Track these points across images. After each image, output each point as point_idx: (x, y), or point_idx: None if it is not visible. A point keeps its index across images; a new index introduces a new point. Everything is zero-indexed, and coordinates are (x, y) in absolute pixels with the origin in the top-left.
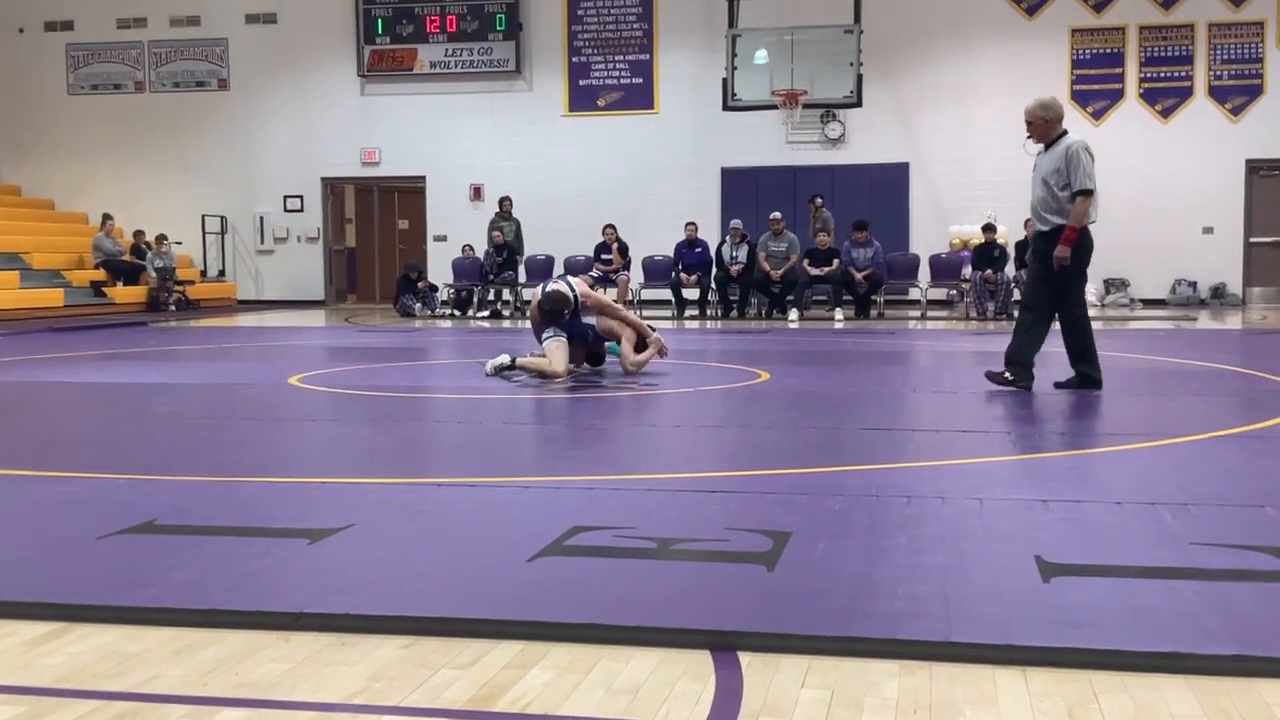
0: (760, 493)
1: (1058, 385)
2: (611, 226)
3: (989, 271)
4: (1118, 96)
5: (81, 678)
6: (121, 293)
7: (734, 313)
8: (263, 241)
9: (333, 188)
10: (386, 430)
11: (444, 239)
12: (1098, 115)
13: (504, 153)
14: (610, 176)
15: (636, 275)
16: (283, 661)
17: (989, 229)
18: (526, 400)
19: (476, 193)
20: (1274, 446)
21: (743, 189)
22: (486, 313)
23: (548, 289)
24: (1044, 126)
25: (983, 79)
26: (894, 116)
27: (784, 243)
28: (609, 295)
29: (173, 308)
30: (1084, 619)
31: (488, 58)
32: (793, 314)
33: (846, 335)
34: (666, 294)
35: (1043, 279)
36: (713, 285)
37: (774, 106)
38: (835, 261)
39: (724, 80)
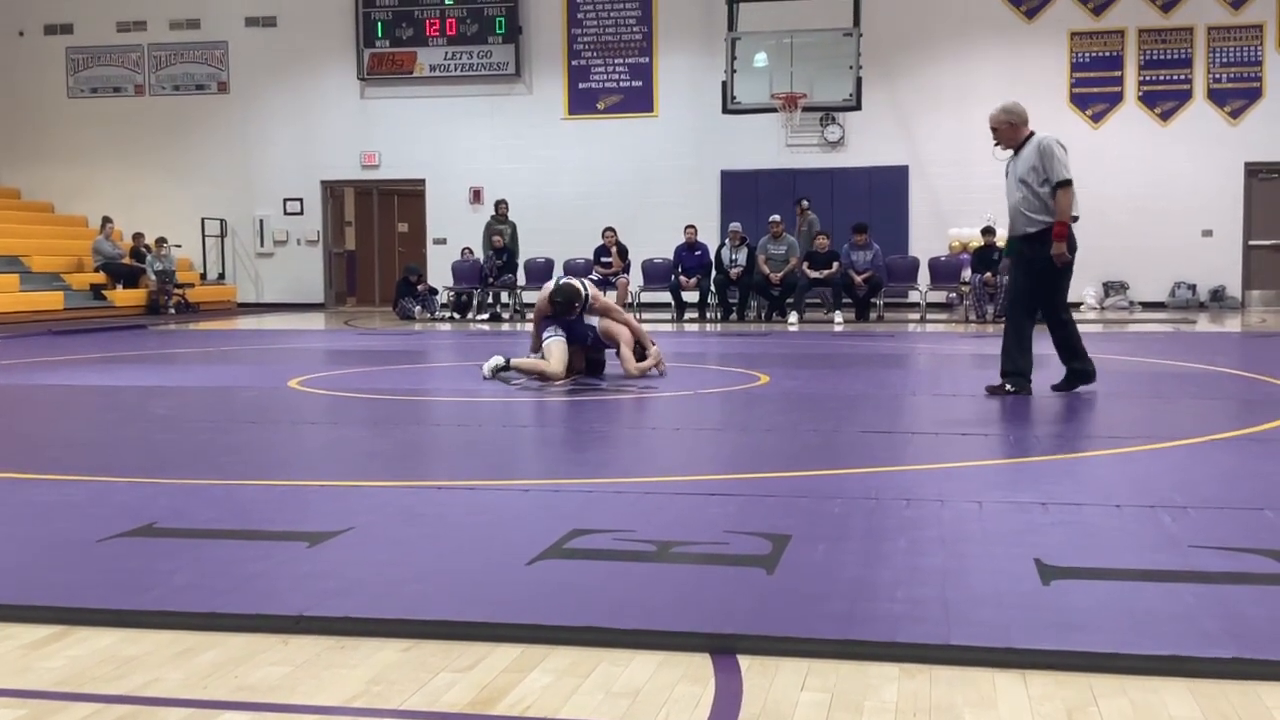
0: (760, 496)
1: (1055, 388)
2: (611, 229)
3: (988, 274)
4: (1117, 99)
5: (81, 681)
6: (121, 296)
7: (733, 315)
8: (262, 244)
9: (332, 191)
10: (386, 433)
11: (443, 242)
12: (1097, 118)
13: (503, 156)
14: (610, 179)
15: (636, 278)
16: (282, 664)
17: (988, 232)
18: (526, 403)
19: (476, 196)
20: (1273, 449)
21: (742, 192)
22: (486, 316)
23: (560, 281)
24: (1010, 131)
25: (982, 82)
26: (893, 119)
27: (783, 245)
28: (610, 298)
29: (172, 311)
30: (1083, 622)
31: (487, 61)
32: (792, 317)
33: (846, 338)
34: (666, 297)
35: (1026, 283)
36: (712, 288)
37: (773, 109)
38: (835, 264)
39: (723, 83)
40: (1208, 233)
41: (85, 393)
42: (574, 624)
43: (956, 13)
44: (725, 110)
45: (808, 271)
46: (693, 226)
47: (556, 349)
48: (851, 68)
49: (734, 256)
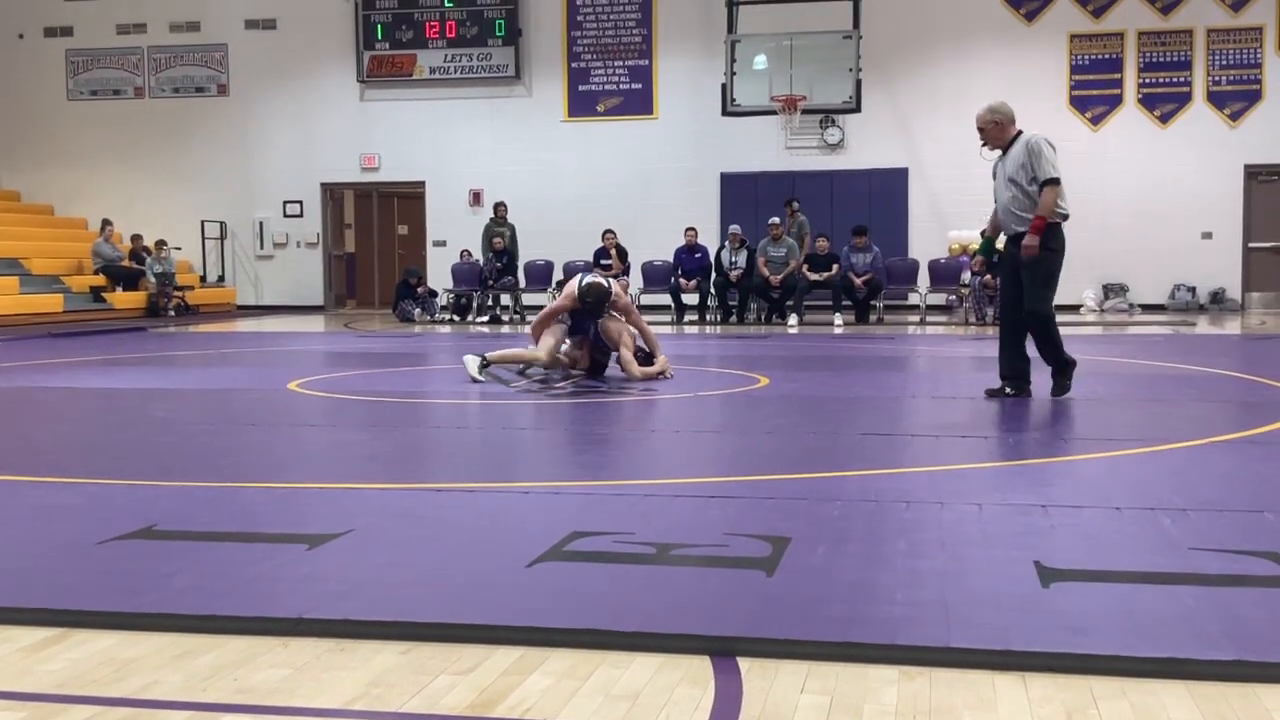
0: (760, 498)
1: (1054, 395)
2: (611, 232)
3: (988, 276)
4: (1116, 102)
5: (80, 683)
6: (121, 298)
7: (733, 318)
8: (262, 247)
9: (332, 193)
10: (386, 435)
11: (443, 244)
12: (1096, 121)
13: (503, 158)
14: (609, 182)
15: (636, 280)
16: (282, 667)
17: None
18: (526, 405)
19: (476, 198)
20: (1272, 451)
21: (742, 194)
22: (486, 318)
23: (586, 280)
24: (996, 130)
25: (982, 84)
26: (893, 122)
27: (783, 248)
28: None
29: (172, 313)
30: (1083, 624)
31: (487, 63)
32: (792, 319)
33: (846, 340)
34: (666, 299)
35: (1016, 285)
36: (712, 290)
37: (773, 112)
38: (834, 267)
39: (723, 86)
40: (1207, 235)
41: (85, 395)
42: (574, 626)
43: (956, 15)
44: (725, 112)
45: (807, 274)
46: (693, 229)
47: (549, 336)
48: (851, 70)
49: (734, 259)
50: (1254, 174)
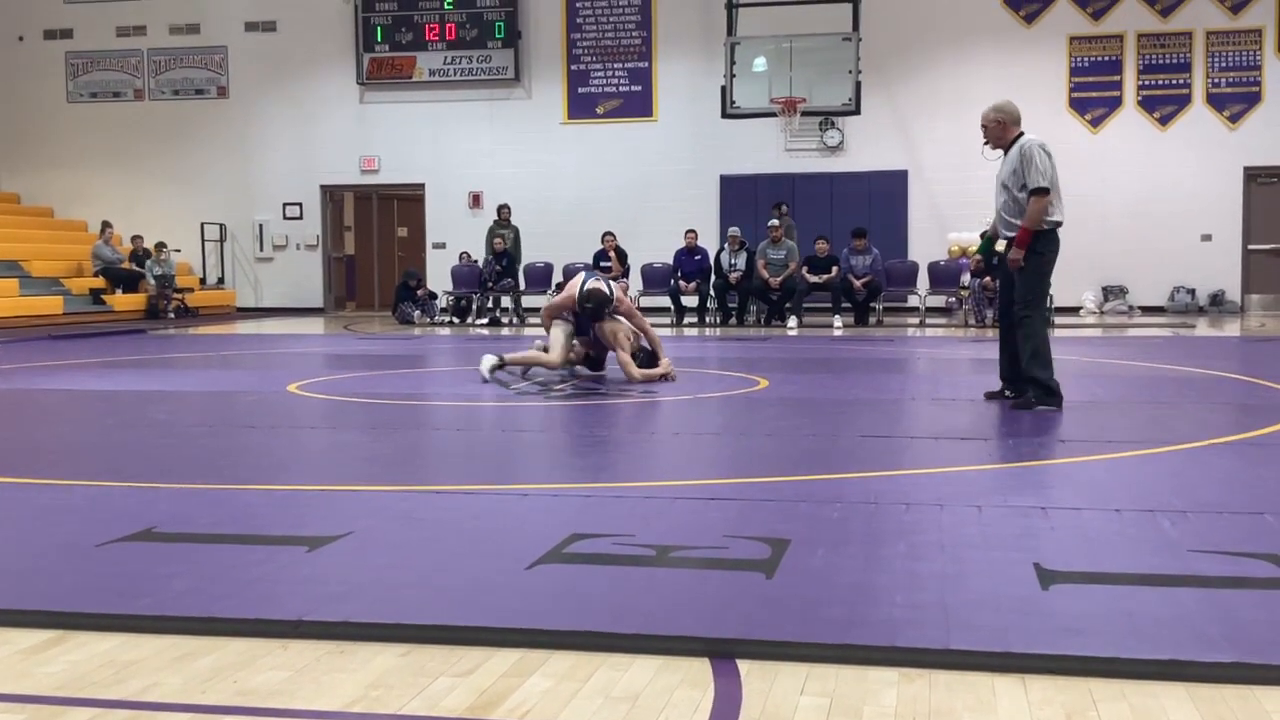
0: (759, 500)
1: (1015, 406)
2: (610, 234)
3: (987, 279)
4: (1116, 104)
5: (80, 686)
6: (121, 300)
7: (733, 320)
8: (262, 249)
9: (332, 195)
10: (385, 438)
11: (443, 246)
12: (1096, 123)
13: (503, 160)
14: (609, 184)
15: (635, 283)
16: (281, 669)
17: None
18: (526, 407)
19: (475, 200)
20: (1272, 454)
21: (741, 196)
22: (485, 320)
23: (587, 286)
24: (999, 129)
25: (981, 86)
26: (892, 124)
27: (783, 250)
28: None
29: (172, 315)
30: (1082, 626)
31: (486, 65)
32: (791, 321)
33: (845, 342)
34: (665, 301)
35: (1014, 287)
36: (711, 293)
37: (773, 114)
38: (834, 269)
39: (723, 88)
40: (1207, 237)
41: (85, 397)
42: (573, 628)
43: (955, 17)
44: (724, 115)
45: (807, 276)
46: (693, 231)
47: (559, 335)
48: (850, 72)
49: (733, 261)
50: (1253, 176)
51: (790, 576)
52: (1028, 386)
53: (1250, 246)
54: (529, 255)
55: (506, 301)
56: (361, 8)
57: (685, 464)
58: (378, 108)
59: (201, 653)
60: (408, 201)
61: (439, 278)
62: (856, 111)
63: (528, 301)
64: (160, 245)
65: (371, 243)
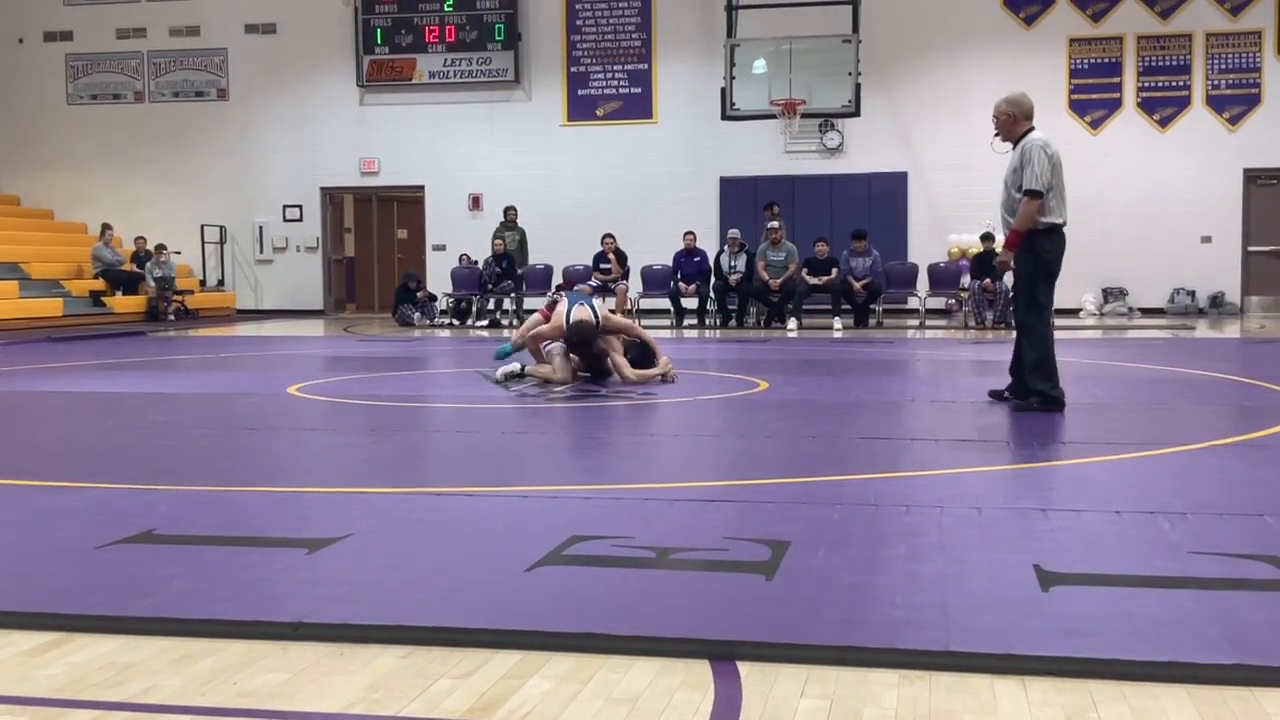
0: (759, 502)
1: (994, 397)
2: (610, 236)
3: (987, 280)
4: (1116, 106)
5: (80, 688)
6: (120, 302)
7: (733, 322)
8: (262, 251)
9: (332, 197)
10: (385, 440)
11: (443, 248)
12: (1096, 125)
13: (503, 162)
14: (609, 186)
15: (635, 285)
16: (281, 671)
17: (987, 238)
18: (525, 409)
19: (475, 202)
20: (1272, 455)
21: (741, 198)
22: (485, 322)
23: (573, 320)
24: (1009, 122)
25: (981, 88)
26: (892, 126)
27: (782, 252)
28: (609, 304)
29: (171, 317)
30: (1083, 628)
31: (486, 67)
32: (791, 323)
33: (845, 344)
34: (665, 303)
35: (1021, 288)
36: (711, 295)
37: (772, 116)
38: (834, 271)
39: (722, 90)
40: (1207, 239)
41: (84, 399)
42: (573, 630)
43: (955, 19)
44: (724, 117)
45: (806, 278)
46: (691, 233)
47: (559, 355)
48: (850, 74)
49: (733, 263)
50: (1253, 178)
51: (790, 578)
52: (1044, 395)
53: (1250, 248)
54: (531, 257)
55: (507, 303)
56: (361, 10)
57: (685, 466)
58: (377, 110)
59: (201, 655)
60: (407, 203)
61: (439, 280)
62: (856, 113)
63: (528, 304)
64: (160, 247)
65: (371, 245)
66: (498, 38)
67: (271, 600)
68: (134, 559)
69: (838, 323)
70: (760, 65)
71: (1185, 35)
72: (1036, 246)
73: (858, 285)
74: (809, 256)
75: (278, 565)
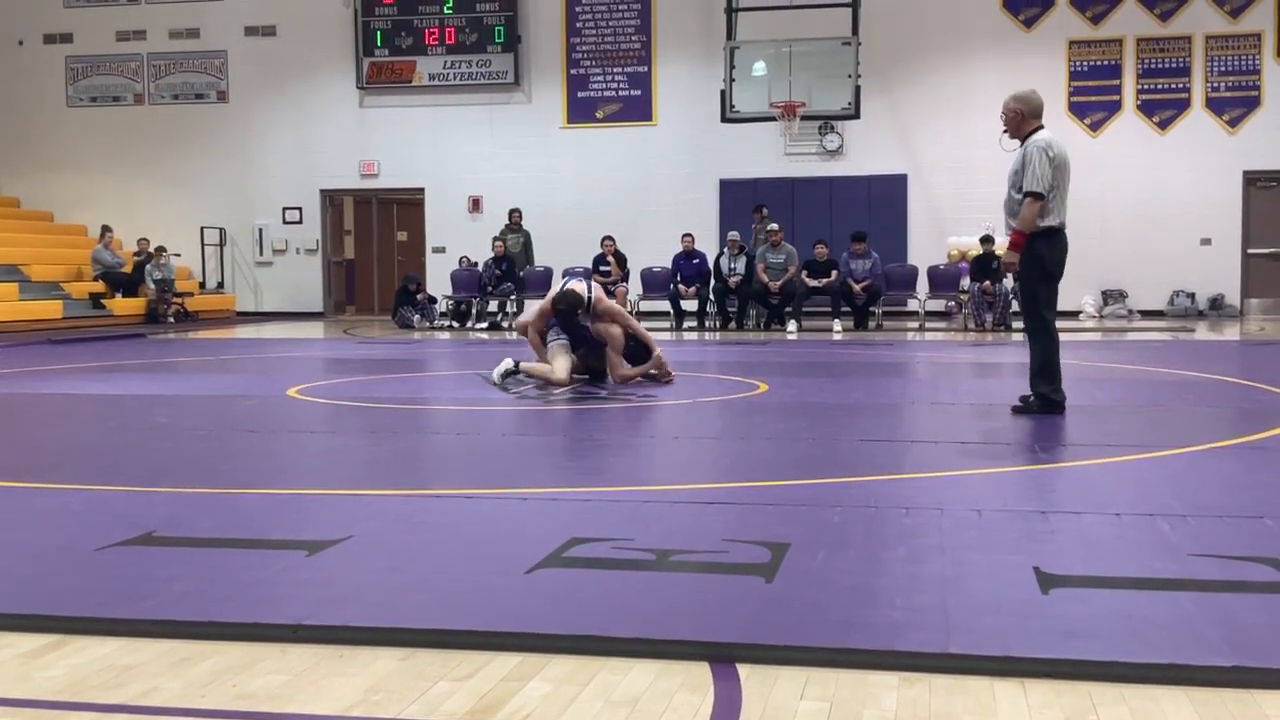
0: (759, 504)
1: (1015, 410)
2: (610, 238)
3: (987, 283)
4: (1115, 108)
5: (80, 690)
6: (120, 304)
7: (732, 324)
8: (261, 253)
9: (331, 199)
10: (385, 442)
11: (443, 251)
12: (1095, 127)
13: (503, 164)
14: (608, 188)
15: (635, 287)
16: (281, 673)
17: (987, 240)
18: (525, 412)
19: (475, 204)
20: (1272, 458)
21: (741, 200)
22: (485, 324)
23: (564, 287)
24: (1017, 119)
25: (980, 91)
26: (892, 128)
27: (782, 254)
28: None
29: (171, 320)
30: (1082, 630)
31: (486, 70)
32: (791, 325)
33: (845, 347)
34: (665, 305)
35: (1021, 291)
36: (711, 297)
37: (772, 118)
38: (834, 273)
39: (722, 92)
40: (1206, 241)
41: (84, 401)
42: (573, 632)
43: (955, 21)
44: (724, 119)
45: (806, 280)
46: (690, 235)
47: (559, 353)
48: (850, 76)
49: (732, 265)
50: (1253, 180)
51: (790, 580)
52: (1044, 398)
53: (1250, 250)
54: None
55: (509, 305)
56: (361, 12)
57: (685, 468)
58: (377, 112)
59: (201, 657)
60: (407, 206)
61: (439, 282)
62: (856, 116)
63: (528, 305)
64: (160, 249)
65: (371, 247)
66: (497, 40)
67: (271, 602)
68: (134, 561)
69: (837, 325)
70: (760, 67)
71: (1185, 37)
72: (1033, 249)
73: (857, 287)
74: (809, 259)
75: (277, 567)
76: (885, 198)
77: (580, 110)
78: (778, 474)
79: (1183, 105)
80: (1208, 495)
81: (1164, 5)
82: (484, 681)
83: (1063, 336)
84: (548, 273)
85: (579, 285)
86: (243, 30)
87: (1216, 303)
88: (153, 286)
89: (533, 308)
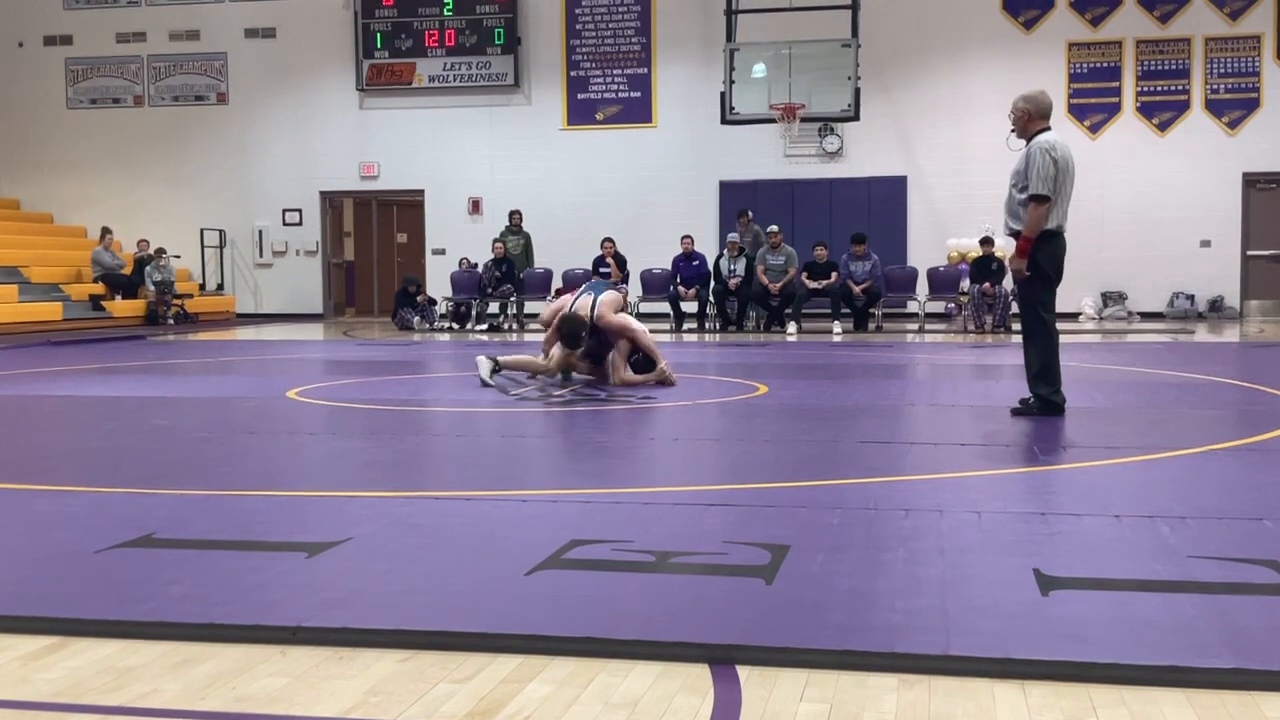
0: (758, 506)
1: (1014, 412)
2: (610, 240)
3: (987, 284)
4: (1115, 110)
5: (79, 692)
6: (120, 306)
7: (732, 326)
8: (261, 255)
9: (331, 201)
10: (385, 444)
11: (442, 252)
12: (1095, 129)
13: (502, 166)
14: (608, 190)
15: (634, 288)
16: (280, 675)
17: (986, 242)
18: (524, 413)
19: (475, 206)
20: (1271, 459)
21: (741, 202)
22: (485, 326)
23: (565, 313)
24: (1024, 119)
25: (980, 93)
26: (892, 130)
27: (782, 256)
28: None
29: (171, 321)
30: (1082, 632)
31: (486, 71)
32: (791, 327)
33: (845, 348)
34: (665, 307)
35: (1020, 293)
36: (710, 299)
37: (772, 120)
38: (833, 274)
39: (722, 94)
40: (1206, 243)
41: (84, 403)
42: (573, 634)
43: (955, 23)
44: (724, 121)
45: (806, 282)
46: (689, 236)
47: (556, 349)
48: (850, 78)
49: (732, 267)
50: (1252, 182)
51: (790, 582)
52: (1044, 400)
53: (1249, 252)
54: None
55: (508, 307)
56: (361, 14)
57: (684, 470)
58: (377, 114)
59: (200, 659)
60: (407, 207)
61: (438, 283)
62: (856, 117)
63: (528, 307)
64: (160, 251)
65: (371, 249)
66: (497, 42)
67: (271, 604)
68: (133, 563)
69: (837, 327)
70: (760, 69)
71: (1184, 39)
72: (1031, 252)
73: (857, 289)
74: (808, 260)
75: (277, 569)
76: (885, 199)
77: (580, 112)
78: (777, 476)
79: (1182, 107)
80: (1207, 497)
81: (1164, 7)
82: (484, 683)
83: (1062, 338)
84: (548, 274)
85: (585, 302)
86: (243, 32)
87: (1216, 304)
88: (152, 288)
89: (556, 304)
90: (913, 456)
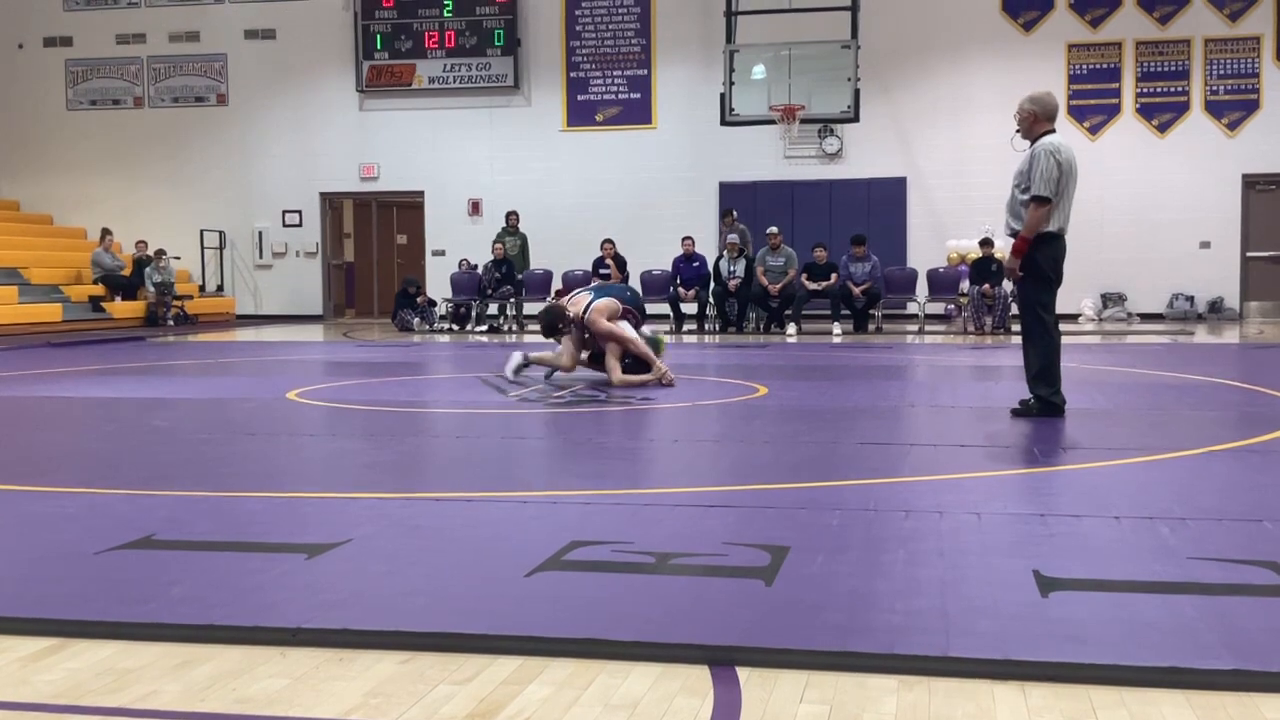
0: (758, 507)
1: (1014, 413)
2: (609, 241)
3: (986, 286)
4: (1114, 111)
5: (79, 694)
6: (120, 308)
7: (732, 327)
8: (261, 256)
9: (331, 202)
10: (385, 445)
11: (442, 254)
12: (1094, 130)
13: (502, 167)
14: (608, 191)
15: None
16: (280, 677)
17: (986, 243)
18: (524, 415)
19: (475, 207)
20: (1271, 461)
21: (741, 203)
22: (485, 327)
23: (547, 304)
24: (1029, 121)
25: (980, 94)
26: (891, 131)
27: (782, 257)
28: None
29: (171, 323)
30: (1082, 634)
31: (486, 73)
32: (790, 328)
33: (844, 350)
34: (665, 308)
35: (1020, 295)
36: (710, 300)
37: (772, 121)
38: (833, 276)
39: (722, 95)
40: (1205, 244)
41: (84, 405)
42: (573, 636)
43: (954, 25)
44: (724, 122)
45: (806, 283)
46: (690, 238)
47: (566, 344)
48: (849, 80)
49: (732, 268)
50: (1252, 183)
51: (789, 584)
52: (1044, 401)
53: (1249, 254)
54: (531, 262)
55: (511, 309)
56: (361, 15)
57: (684, 471)
58: (377, 115)
59: (200, 660)
60: (407, 209)
61: (438, 285)
62: (855, 119)
63: (528, 308)
64: (160, 252)
65: (371, 250)
66: (497, 43)
67: (271, 606)
68: (133, 564)
69: (837, 328)
70: (759, 71)
71: (1184, 41)
72: (1031, 254)
73: (857, 290)
74: (808, 261)
75: (277, 570)
76: (885, 201)
77: (580, 113)
78: (777, 477)
79: (1182, 108)
80: (1207, 498)
81: (1163, 8)
82: (484, 685)
83: (1062, 339)
84: (547, 276)
85: (582, 300)
86: (242, 33)
87: (1216, 306)
88: (152, 289)
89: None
90: (912, 458)
